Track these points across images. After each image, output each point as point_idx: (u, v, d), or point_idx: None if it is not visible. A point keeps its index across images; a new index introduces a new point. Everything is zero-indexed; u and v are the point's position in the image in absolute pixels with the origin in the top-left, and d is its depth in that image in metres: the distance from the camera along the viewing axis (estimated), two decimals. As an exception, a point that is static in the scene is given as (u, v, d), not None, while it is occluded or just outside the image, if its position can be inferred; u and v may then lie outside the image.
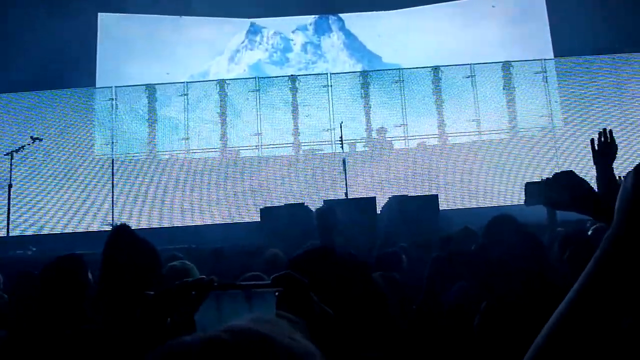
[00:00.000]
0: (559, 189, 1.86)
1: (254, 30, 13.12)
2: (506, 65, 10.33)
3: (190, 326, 0.88)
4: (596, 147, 2.46)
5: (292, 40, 12.87)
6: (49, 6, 10.96)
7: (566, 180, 1.87)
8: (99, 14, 12.39)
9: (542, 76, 10.29)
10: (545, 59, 10.67)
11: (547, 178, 2.12)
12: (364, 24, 12.65)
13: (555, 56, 11.68)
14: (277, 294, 0.91)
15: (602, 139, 2.43)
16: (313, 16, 12.85)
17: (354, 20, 12.82)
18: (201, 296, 0.91)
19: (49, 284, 2.11)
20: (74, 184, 9.74)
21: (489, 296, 2.22)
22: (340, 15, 12.79)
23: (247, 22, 12.65)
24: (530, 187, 2.08)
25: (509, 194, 9.51)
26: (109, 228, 9.26)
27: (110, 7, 12.22)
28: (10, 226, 8.27)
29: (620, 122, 10.00)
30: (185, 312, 0.91)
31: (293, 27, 12.92)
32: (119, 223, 2.40)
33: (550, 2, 12.47)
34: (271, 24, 12.81)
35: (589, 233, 3.28)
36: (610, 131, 2.54)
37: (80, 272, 2.15)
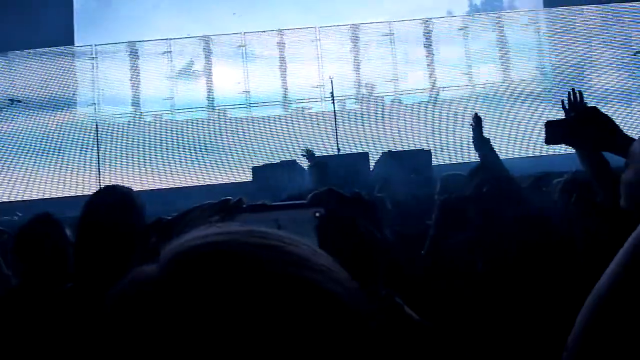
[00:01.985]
0: (584, 126, 1.76)
1: None
2: (498, 17, 10.11)
3: None
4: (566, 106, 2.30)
5: None
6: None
7: (591, 116, 1.77)
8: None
9: (534, 28, 10.10)
10: (535, 10, 10.45)
11: (569, 115, 2.02)
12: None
13: (544, 7, 11.45)
14: (317, 214, 0.78)
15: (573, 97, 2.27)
16: None
17: None
18: (228, 220, 0.79)
19: (23, 245, 2.06)
20: (58, 147, 9.47)
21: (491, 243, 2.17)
22: None
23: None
24: (551, 126, 1.98)
25: (503, 146, 9.46)
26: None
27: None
28: (-6, 192, 8.07)
29: (613, 70, 9.92)
30: None
31: None
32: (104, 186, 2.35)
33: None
34: None
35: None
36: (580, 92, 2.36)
37: (54, 230, 2.13)
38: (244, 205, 0.80)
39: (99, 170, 9.18)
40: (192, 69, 10.05)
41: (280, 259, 0.42)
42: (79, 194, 9.12)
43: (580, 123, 1.94)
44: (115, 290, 0.44)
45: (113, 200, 1.76)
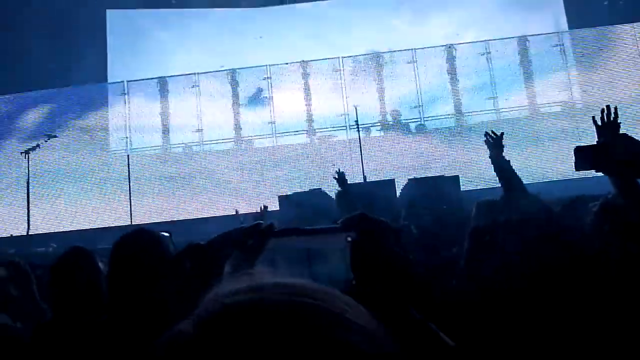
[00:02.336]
0: (613, 152, 1.74)
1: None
2: (522, 40, 10.07)
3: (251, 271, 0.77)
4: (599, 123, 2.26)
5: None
6: (59, 5, 10.95)
7: (621, 143, 1.74)
8: (107, 10, 12.36)
9: (559, 49, 10.01)
10: (561, 32, 10.39)
11: (598, 141, 2.00)
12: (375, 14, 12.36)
13: (570, 28, 11.38)
14: (349, 239, 0.77)
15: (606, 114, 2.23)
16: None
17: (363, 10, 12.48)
18: (259, 245, 0.80)
19: (58, 278, 2.08)
20: (91, 180, 9.74)
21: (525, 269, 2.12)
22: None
23: (248, 11, 12.43)
24: (581, 152, 1.96)
25: (531, 171, 9.30)
26: (127, 223, 9.28)
27: (117, 3, 12.19)
28: (31, 224, 8.30)
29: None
30: (241, 264, 0.81)
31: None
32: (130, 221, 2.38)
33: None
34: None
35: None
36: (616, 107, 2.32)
37: (87, 263, 2.15)
38: (275, 230, 0.81)
39: (130, 201, 9.38)
40: (219, 101, 10.29)
41: (313, 321, 0.42)
42: (112, 225, 9.32)
43: (610, 149, 1.91)
44: (153, 350, 0.45)
45: (141, 241, 1.80)
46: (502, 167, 3.20)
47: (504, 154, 3.31)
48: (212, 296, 0.46)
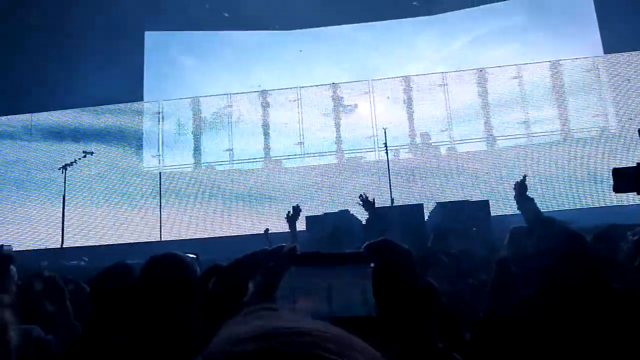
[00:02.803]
0: None
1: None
2: (555, 65, 9.94)
3: (270, 304, 0.77)
4: None
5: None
6: (100, 26, 11.40)
7: None
8: (145, 32, 12.81)
9: (594, 74, 9.84)
10: (595, 56, 10.22)
11: (638, 163, 1.95)
12: (409, 32, 12.43)
13: (605, 53, 11.19)
14: (372, 266, 0.75)
15: None
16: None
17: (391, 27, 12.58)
18: (282, 268, 0.79)
19: (101, 293, 2.12)
20: (124, 196, 9.98)
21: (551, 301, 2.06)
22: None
23: (285, 33, 12.67)
24: (619, 173, 1.91)
25: (564, 197, 9.09)
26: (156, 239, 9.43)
27: (156, 26, 12.61)
28: (65, 237, 8.53)
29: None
30: (264, 287, 0.81)
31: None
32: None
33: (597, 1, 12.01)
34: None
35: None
36: None
37: (129, 280, 2.14)
38: (298, 253, 0.81)
39: (160, 217, 9.56)
40: (250, 121, 10.45)
41: None
42: (143, 240, 9.50)
43: None
44: None
45: (168, 265, 1.83)
46: (526, 210, 3.26)
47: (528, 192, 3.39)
48: (222, 341, 0.44)
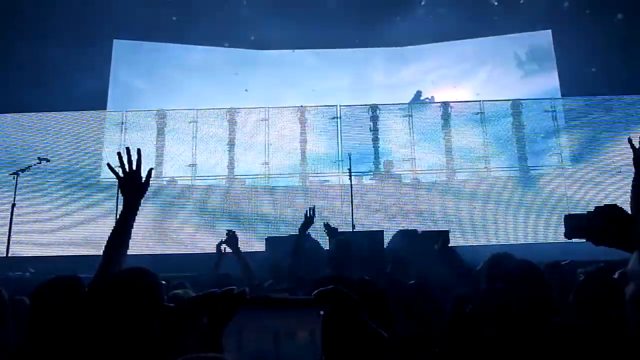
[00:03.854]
0: (603, 222, 1.76)
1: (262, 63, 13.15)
2: (515, 103, 10.35)
3: (216, 346, 0.74)
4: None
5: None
6: (67, 31, 11.16)
7: (612, 213, 1.77)
8: (114, 40, 12.61)
9: (552, 115, 10.29)
10: (554, 98, 10.71)
11: (589, 211, 2.03)
12: (375, 63, 12.75)
13: (562, 95, 11.76)
14: (321, 313, 0.75)
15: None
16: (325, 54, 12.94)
17: (359, 64, 12.90)
18: (230, 311, 0.77)
19: (41, 306, 2.00)
20: (78, 207, 9.64)
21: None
22: (353, 51, 12.94)
23: (255, 52, 12.76)
24: (570, 220, 1.98)
25: (519, 231, 9.37)
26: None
27: (126, 34, 12.45)
28: (11, 247, 8.14)
29: (629, 163, 9.92)
30: (211, 329, 0.78)
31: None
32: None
33: (557, 44, 12.67)
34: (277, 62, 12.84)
35: (615, 275, 3.16)
36: None
37: (77, 293, 2.04)
38: (247, 297, 0.80)
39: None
40: (216, 138, 10.35)
41: None
42: (96, 253, 9.15)
43: (600, 220, 1.94)
44: None
45: (127, 290, 1.75)
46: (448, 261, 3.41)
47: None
48: None
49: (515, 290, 2.13)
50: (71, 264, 8.42)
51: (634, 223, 1.86)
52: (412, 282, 4.01)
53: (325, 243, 7.82)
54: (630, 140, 2.36)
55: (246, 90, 10.95)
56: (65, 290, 2.02)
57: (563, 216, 2.21)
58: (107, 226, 9.27)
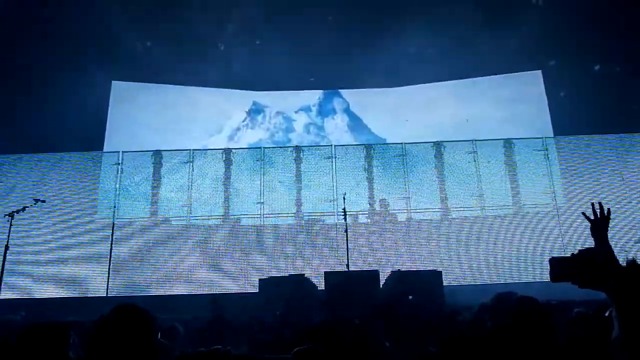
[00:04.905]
0: (586, 265, 1.79)
1: (256, 110, 13.47)
2: (507, 143, 10.49)
3: None
4: (592, 217, 2.46)
5: (295, 120, 13.20)
6: (67, 72, 11.39)
7: (595, 257, 1.81)
8: (112, 81, 12.85)
9: (544, 154, 10.41)
10: (546, 137, 10.86)
11: (573, 254, 2.06)
12: (367, 104, 13.03)
13: (555, 135, 11.95)
14: None
15: (597, 211, 2.43)
16: (317, 97, 13.25)
17: (358, 101, 13.21)
18: None
19: (23, 354, 1.98)
20: (73, 248, 9.58)
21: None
22: (343, 94, 13.23)
23: (249, 100, 13.05)
24: (555, 263, 2.01)
25: (513, 271, 9.34)
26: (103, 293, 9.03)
27: (124, 76, 12.71)
28: (3, 289, 8.05)
29: (622, 201, 10.01)
30: None
31: (296, 108, 13.28)
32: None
33: (548, 84, 12.96)
34: (274, 104, 13.17)
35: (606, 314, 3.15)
36: (600, 204, 2.55)
37: (61, 344, 2.02)
38: (231, 357, 0.83)
39: (109, 272, 9.20)
40: (212, 179, 10.41)
41: None
42: (90, 295, 9.06)
43: (584, 263, 1.96)
44: None
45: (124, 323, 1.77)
46: None
47: None
48: None
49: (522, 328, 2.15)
50: (63, 307, 8.33)
51: (616, 267, 1.89)
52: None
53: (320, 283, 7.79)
54: (593, 206, 2.40)
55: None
56: (46, 340, 2.00)
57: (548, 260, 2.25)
58: (101, 268, 9.22)
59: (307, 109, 13.30)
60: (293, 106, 13.27)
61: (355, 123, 12.99)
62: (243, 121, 13.10)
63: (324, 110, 13.26)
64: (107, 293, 8.99)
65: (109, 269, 9.19)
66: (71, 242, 9.62)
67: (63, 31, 11.35)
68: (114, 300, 8.64)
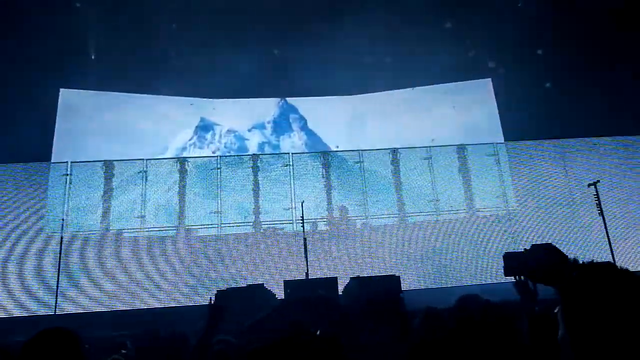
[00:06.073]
0: (538, 260, 1.84)
1: (204, 126, 13.06)
2: (460, 148, 10.76)
3: None
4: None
5: (248, 139, 12.82)
6: (12, 78, 10.92)
7: (545, 252, 1.85)
8: (60, 89, 12.40)
9: (494, 159, 10.74)
10: (496, 143, 11.21)
11: (525, 249, 2.12)
12: (324, 114, 13.07)
13: (505, 140, 12.38)
14: None
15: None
16: (272, 114, 13.15)
17: (315, 116, 13.18)
18: None
19: None
20: (19, 264, 9.10)
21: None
22: (300, 110, 13.23)
23: (203, 109, 12.83)
24: (509, 258, 2.07)
25: (471, 273, 9.56)
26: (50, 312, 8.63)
27: (72, 83, 12.28)
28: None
29: (568, 202, 10.44)
30: None
31: (249, 125, 12.99)
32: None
33: (498, 92, 13.43)
34: (224, 120, 12.91)
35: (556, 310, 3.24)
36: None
37: None
38: None
39: (57, 288, 8.79)
40: (166, 188, 10.17)
41: None
42: (36, 313, 8.64)
43: (535, 257, 2.01)
44: None
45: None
46: None
47: None
48: None
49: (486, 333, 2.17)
50: (9, 327, 7.90)
51: (565, 262, 1.93)
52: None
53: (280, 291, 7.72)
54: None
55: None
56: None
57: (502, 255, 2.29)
58: (49, 280, 8.81)
59: (261, 127, 13.04)
60: (246, 123, 13.00)
61: (314, 140, 12.92)
62: (190, 140, 12.75)
63: (279, 128, 13.02)
64: (55, 311, 8.58)
65: (57, 285, 8.78)
66: (17, 257, 9.14)
67: (7, 36, 10.88)
68: (62, 319, 8.27)
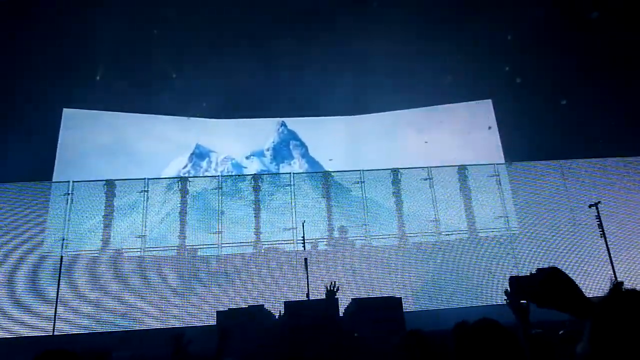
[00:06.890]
0: (544, 285, 1.82)
1: (199, 154, 12.91)
2: (461, 169, 10.77)
3: None
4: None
5: (246, 167, 12.60)
6: (16, 98, 11.01)
7: (551, 277, 1.84)
8: (63, 109, 12.49)
9: (495, 179, 10.74)
10: (497, 163, 11.22)
11: (531, 273, 2.10)
12: (325, 140, 13.03)
13: (505, 161, 12.40)
14: None
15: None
16: (271, 140, 13.11)
17: (315, 139, 13.10)
18: None
19: None
20: (18, 284, 9.03)
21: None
22: (300, 136, 13.24)
23: (203, 129, 12.81)
24: (514, 282, 2.05)
25: (472, 295, 9.48)
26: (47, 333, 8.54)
27: (75, 103, 12.37)
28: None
29: (568, 223, 10.40)
30: None
31: (247, 152, 12.80)
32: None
33: (498, 113, 13.51)
34: (221, 148, 12.79)
35: (560, 332, 3.22)
36: None
37: None
38: None
39: (56, 308, 8.71)
40: (167, 208, 10.15)
41: None
42: (33, 334, 8.54)
43: (541, 282, 1.99)
44: None
45: None
46: None
47: None
48: None
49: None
50: (7, 349, 7.81)
51: (572, 287, 1.92)
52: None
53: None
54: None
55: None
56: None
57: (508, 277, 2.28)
58: (48, 304, 8.73)
59: (260, 154, 12.86)
60: (244, 150, 12.81)
61: (315, 168, 12.76)
62: (184, 167, 12.62)
63: (279, 156, 12.79)
64: (53, 332, 8.49)
65: (55, 305, 8.70)
66: (17, 277, 9.07)
67: (12, 55, 11.00)
68: (60, 340, 8.17)
